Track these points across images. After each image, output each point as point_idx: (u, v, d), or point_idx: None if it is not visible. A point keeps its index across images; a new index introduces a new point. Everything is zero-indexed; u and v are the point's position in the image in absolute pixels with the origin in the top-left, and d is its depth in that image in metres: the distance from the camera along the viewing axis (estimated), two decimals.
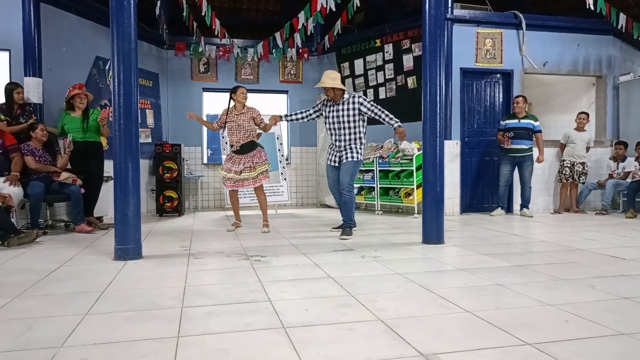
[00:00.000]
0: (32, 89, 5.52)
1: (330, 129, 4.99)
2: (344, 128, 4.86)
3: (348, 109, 4.83)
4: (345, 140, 4.88)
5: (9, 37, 5.49)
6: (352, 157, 4.84)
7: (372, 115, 4.81)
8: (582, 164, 7.01)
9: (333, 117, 4.91)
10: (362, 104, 4.80)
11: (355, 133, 4.86)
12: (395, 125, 4.76)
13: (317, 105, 5.18)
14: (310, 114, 5.21)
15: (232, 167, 5.26)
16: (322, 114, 5.10)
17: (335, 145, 4.96)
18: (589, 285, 2.83)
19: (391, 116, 4.80)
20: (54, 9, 5.92)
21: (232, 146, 5.32)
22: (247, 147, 5.25)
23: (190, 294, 2.73)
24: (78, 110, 5.53)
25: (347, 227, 4.90)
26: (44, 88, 5.65)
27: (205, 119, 8.32)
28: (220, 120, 5.36)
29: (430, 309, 2.41)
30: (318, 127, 8.32)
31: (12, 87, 5.26)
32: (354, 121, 4.84)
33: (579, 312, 2.32)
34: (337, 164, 4.99)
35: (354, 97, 4.86)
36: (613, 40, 7.42)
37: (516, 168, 6.76)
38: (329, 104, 4.98)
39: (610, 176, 7.09)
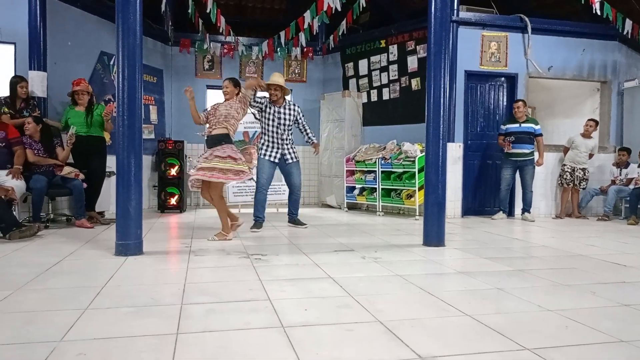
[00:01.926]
0: (37, 83, 5.53)
1: (272, 126, 5.38)
2: (286, 129, 5.42)
3: (290, 113, 5.43)
4: (286, 140, 5.43)
5: (14, 30, 5.50)
6: (297, 158, 5.56)
7: (301, 126, 5.61)
8: (583, 169, 7.00)
9: (276, 118, 5.36)
10: (299, 112, 5.53)
11: (290, 134, 5.50)
12: (315, 140, 5.72)
13: (261, 99, 5.33)
14: (251, 104, 5.29)
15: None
16: (260, 110, 5.37)
17: (277, 143, 5.41)
18: (589, 292, 2.83)
19: (313, 133, 5.78)
20: (59, 3, 5.93)
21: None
22: None
23: (190, 291, 2.73)
24: (81, 106, 5.53)
25: (297, 219, 5.64)
26: (48, 82, 5.66)
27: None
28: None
29: (430, 311, 2.41)
30: (321, 127, 8.32)
31: (16, 81, 5.27)
32: (291, 124, 5.48)
33: (579, 318, 2.31)
34: (277, 161, 5.43)
35: (293, 104, 5.53)
36: (619, 46, 7.39)
37: (518, 172, 6.76)
38: (272, 105, 5.37)
39: (613, 182, 7.08)
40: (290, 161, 5.48)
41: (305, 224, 5.61)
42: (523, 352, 1.88)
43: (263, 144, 5.43)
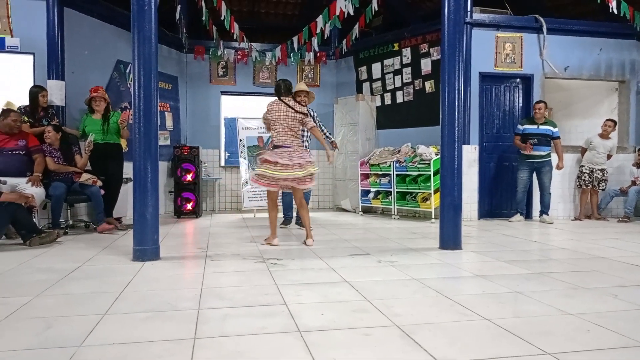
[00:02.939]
0: (55, 92, 5.63)
1: None
2: (304, 135, 5.55)
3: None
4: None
5: (33, 41, 5.61)
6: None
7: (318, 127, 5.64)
8: (602, 170, 6.88)
9: None
10: (316, 117, 5.76)
11: (308, 139, 5.73)
12: (334, 139, 6.00)
13: None
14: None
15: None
16: None
17: None
18: (610, 294, 2.78)
19: (332, 136, 6.00)
20: (76, 13, 6.03)
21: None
22: None
23: (206, 295, 2.75)
24: (98, 113, 5.62)
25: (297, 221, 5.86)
26: (66, 91, 5.76)
27: (222, 122, 8.40)
28: None
29: (447, 315, 2.39)
30: (335, 131, 8.31)
31: (37, 90, 5.38)
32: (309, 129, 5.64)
33: (600, 321, 2.27)
34: None
35: (310, 109, 5.60)
36: (636, 44, 7.27)
37: (535, 174, 6.67)
38: None
39: (633, 183, 6.95)
40: None
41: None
42: (544, 357, 1.85)
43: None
